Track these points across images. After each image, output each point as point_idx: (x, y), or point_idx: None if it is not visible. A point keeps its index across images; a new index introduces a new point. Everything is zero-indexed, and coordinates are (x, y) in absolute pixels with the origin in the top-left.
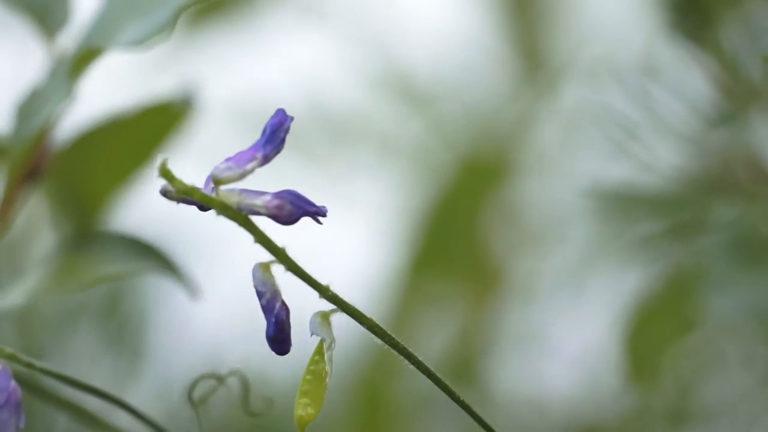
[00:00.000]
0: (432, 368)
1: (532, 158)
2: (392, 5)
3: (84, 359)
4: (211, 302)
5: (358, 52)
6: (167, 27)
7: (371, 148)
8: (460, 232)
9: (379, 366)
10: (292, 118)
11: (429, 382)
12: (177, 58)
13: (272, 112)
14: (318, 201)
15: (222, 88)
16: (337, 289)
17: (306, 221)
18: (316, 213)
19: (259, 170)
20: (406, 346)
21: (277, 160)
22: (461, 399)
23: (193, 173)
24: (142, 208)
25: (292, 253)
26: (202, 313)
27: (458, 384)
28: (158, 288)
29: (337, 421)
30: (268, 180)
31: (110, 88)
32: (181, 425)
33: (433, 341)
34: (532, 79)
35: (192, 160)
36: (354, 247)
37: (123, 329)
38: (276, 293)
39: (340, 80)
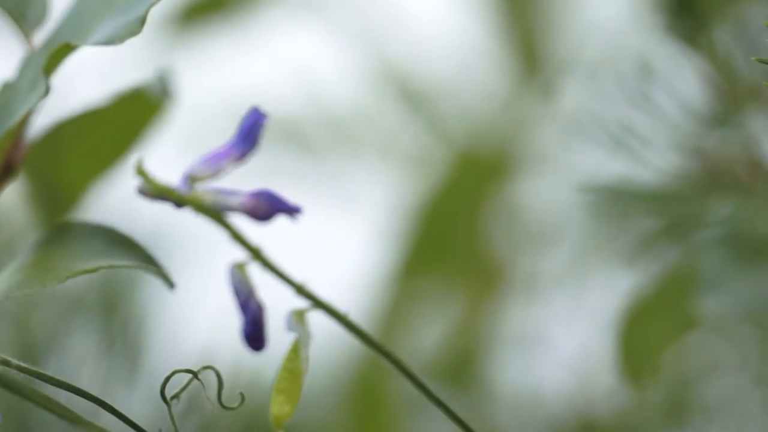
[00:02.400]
0: (416, 367)
1: (530, 157)
2: (392, 5)
3: (79, 359)
4: (204, 303)
5: (358, 51)
6: (141, 23)
7: (370, 145)
8: (458, 230)
9: (373, 364)
10: (266, 116)
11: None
12: (171, 56)
13: (263, 109)
14: (313, 199)
15: (219, 85)
16: (319, 287)
17: (305, 220)
18: (291, 211)
19: (258, 166)
20: (383, 344)
21: (274, 157)
22: (438, 398)
23: (177, 167)
24: (127, 204)
25: (269, 252)
26: (194, 314)
27: (456, 382)
28: (153, 290)
29: (329, 421)
30: (265, 176)
31: (96, 87)
32: (169, 425)
33: (430, 339)
34: (530, 79)
35: (187, 157)
36: (351, 245)
37: (119, 330)
38: (251, 292)
39: (339, 78)
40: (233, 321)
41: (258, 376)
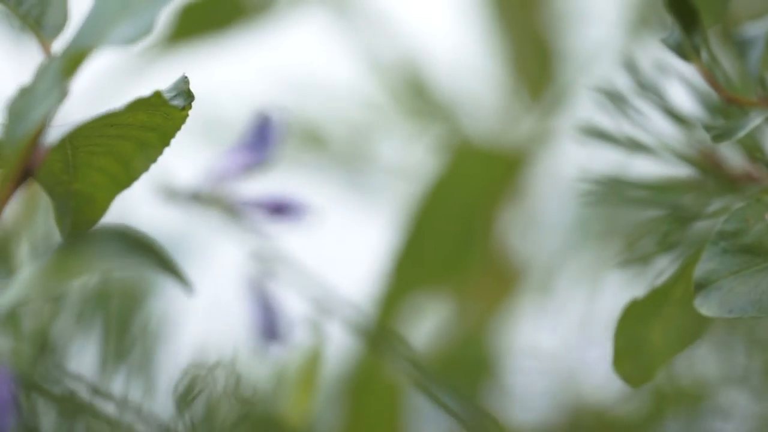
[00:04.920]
0: (422, 368)
1: (540, 156)
2: (403, 17)
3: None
4: (197, 302)
5: (369, 53)
6: (153, 24)
7: (382, 144)
8: (465, 226)
9: (376, 358)
10: (279, 120)
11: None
12: (179, 66)
13: (272, 110)
14: (326, 195)
15: (233, 83)
16: (332, 279)
17: (321, 216)
18: (303, 212)
19: (269, 167)
20: (390, 348)
21: (287, 161)
22: (441, 399)
23: (196, 169)
24: (135, 209)
25: (289, 253)
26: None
27: (471, 378)
28: (163, 295)
29: (334, 418)
30: (279, 177)
31: (97, 97)
32: (177, 421)
33: (440, 337)
34: (539, 83)
35: (197, 158)
36: (366, 239)
37: (118, 324)
38: (268, 293)
39: (350, 82)
40: (227, 319)
41: (252, 372)
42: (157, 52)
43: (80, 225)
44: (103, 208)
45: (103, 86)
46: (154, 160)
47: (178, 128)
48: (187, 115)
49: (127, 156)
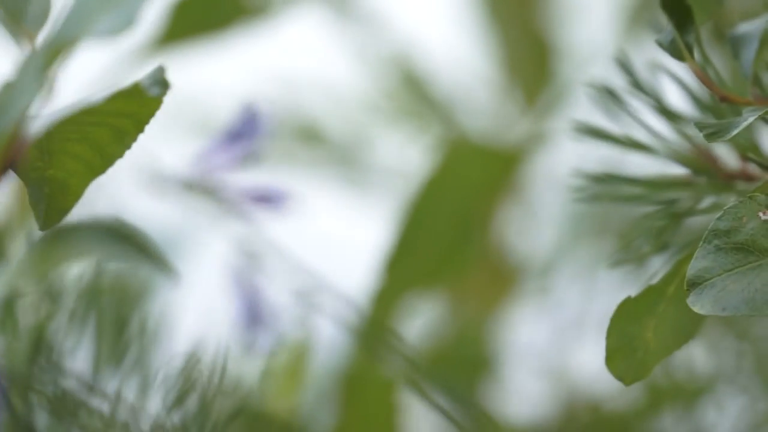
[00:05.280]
0: (417, 365)
1: (535, 166)
2: (401, 21)
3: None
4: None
5: (364, 56)
6: (136, 16)
7: (378, 146)
8: (466, 227)
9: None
10: (263, 111)
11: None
12: (174, 64)
13: (256, 103)
14: (325, 198)
15: (229, 87)
16: (334, 283)
17: (315, 208)
18: (285, 201)
19: (269, 161)
20: (383, 345)
21: (284, 157)
22: (432, 397)
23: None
24: (126, 203)
25: (283, 248)
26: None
27: (466, 375)
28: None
29: (328, 415)
30: (275, 173)
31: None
32: (168, 418)
33: (436, 334)
34: (532, 93)
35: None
36: (363, 242)
37: (126, 330)
38: (254, 286)
39: (347, 84)
40: (219, 312)
41: (239, 366)
42: (152, 51)
43: (54, 211)
44: (78, 195)
45: (98, 86)
46: (128, 146)
47: (152, 114)
48: (162, 101)
49: (102, 142)
